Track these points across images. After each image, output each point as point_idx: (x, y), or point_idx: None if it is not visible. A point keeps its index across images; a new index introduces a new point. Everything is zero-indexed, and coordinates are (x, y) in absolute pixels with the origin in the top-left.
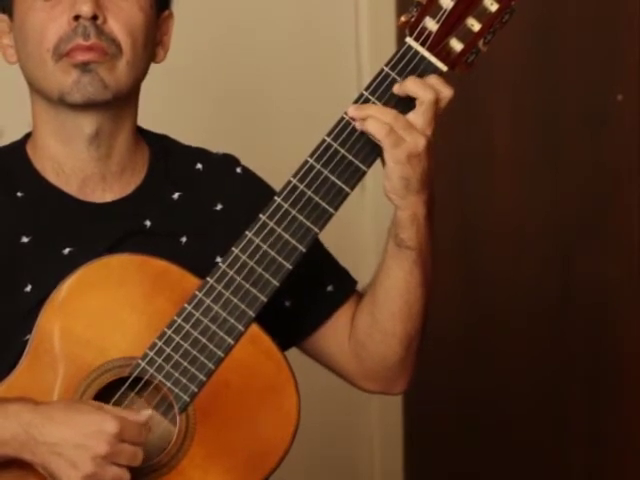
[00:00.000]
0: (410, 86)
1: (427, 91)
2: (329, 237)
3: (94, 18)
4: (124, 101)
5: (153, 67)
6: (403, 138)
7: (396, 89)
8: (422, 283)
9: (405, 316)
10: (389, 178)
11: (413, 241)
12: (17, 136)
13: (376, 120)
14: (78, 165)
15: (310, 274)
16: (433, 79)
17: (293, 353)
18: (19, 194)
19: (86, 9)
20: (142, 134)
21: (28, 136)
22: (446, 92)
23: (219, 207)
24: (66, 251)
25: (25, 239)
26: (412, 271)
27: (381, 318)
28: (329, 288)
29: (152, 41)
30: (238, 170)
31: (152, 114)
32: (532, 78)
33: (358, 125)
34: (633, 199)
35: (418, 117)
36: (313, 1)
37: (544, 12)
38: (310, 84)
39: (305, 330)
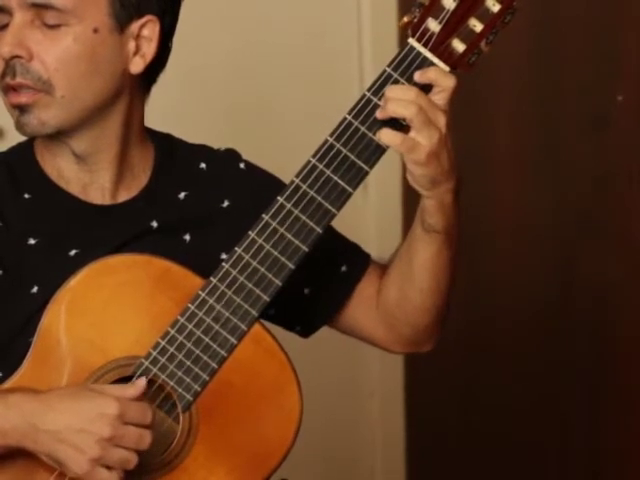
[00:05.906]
0: (390, 109)
1: (408, 107)
2: None
3: (18, 57)
4: (100, 122)
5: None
6: (417, 141)
7: (379, 115)
8: (450, 260)
9: (434, 291)
10: (412, 176)
11: (440, 225)
12: (17, 136)
13: (385, 130)
14: (74, 174)
15: (323, 258)
16: (432, 72)
17: (294, 352)
18: (26, 196)
19: (4, 50)
20: (147, 134)
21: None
22: (447, 83)
23: (225, 204)
24: (72, 253)
25: (32, 241)
26: (440, 252)
27: (410, 293)
28: (343, 268)
29: (110, 61)
30: (241, 166)
31: (156, 116)
32: (533, 79)
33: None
34: (634, 199)
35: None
36: (316, 3)
37: (545, 13)
38: (313, 85)
39: (328, 313)
